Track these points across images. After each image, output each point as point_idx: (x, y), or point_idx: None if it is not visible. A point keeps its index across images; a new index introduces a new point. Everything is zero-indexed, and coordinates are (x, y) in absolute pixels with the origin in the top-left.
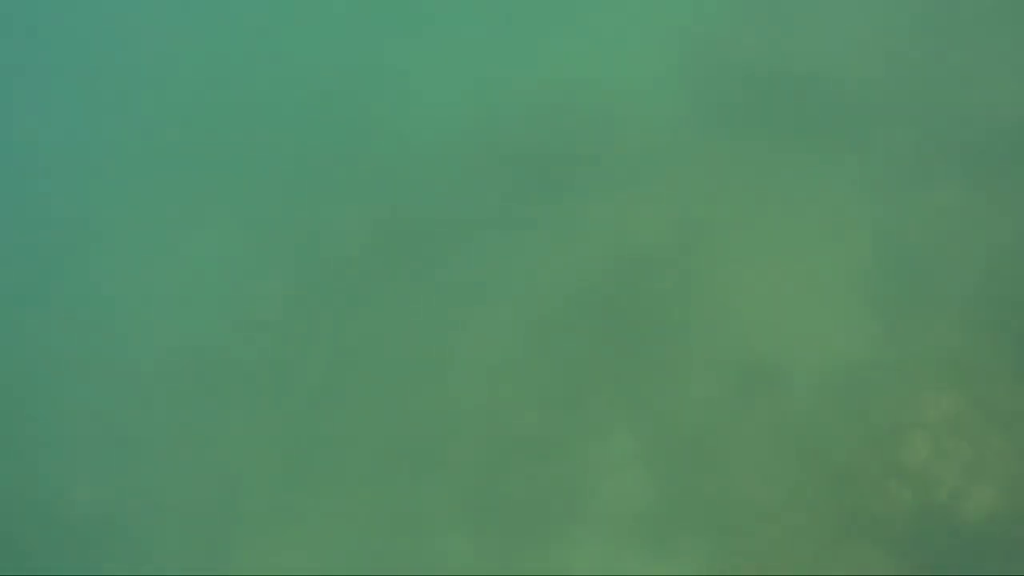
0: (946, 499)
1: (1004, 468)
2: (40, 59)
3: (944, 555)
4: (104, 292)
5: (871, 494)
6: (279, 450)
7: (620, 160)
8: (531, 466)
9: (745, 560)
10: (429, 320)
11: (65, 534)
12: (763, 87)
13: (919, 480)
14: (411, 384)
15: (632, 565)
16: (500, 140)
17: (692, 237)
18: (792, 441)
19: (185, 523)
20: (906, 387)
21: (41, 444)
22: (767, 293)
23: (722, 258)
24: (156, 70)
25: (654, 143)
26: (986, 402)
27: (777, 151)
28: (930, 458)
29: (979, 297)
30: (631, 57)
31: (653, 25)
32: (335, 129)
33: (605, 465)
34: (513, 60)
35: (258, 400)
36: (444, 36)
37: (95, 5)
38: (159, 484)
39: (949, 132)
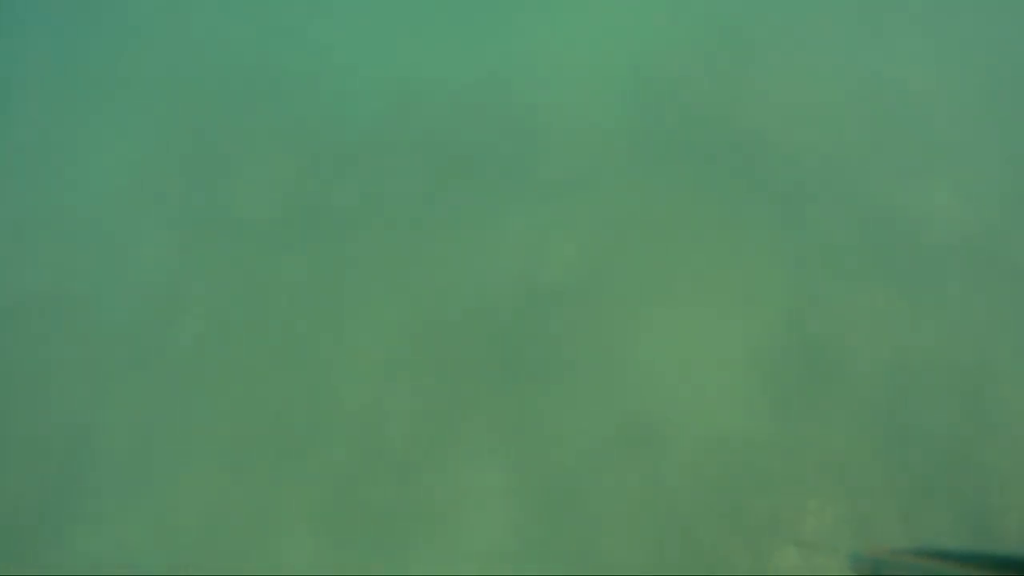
0: None
1: None
2: None
3: None
4: None
5: None
6: None
7: (541, 172)
8: (393, 480)
9: None
10: (327, 292)
11: None
12: (707, 135)
13: None
14: (292, 367)
15: None
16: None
17: (600, 274)
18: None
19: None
20: (789, 489)
21: None
22: (664, 353)
23: (626, 302)
24: None
25: (579, 163)
26: (863, 518)
27: (706, 203)
28: (801, 573)
29: (878, 403)
30: (574, 67)
31: (606, 40)
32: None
33: (471, 491)
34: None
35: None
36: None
37: None
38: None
39: (883, 228)
